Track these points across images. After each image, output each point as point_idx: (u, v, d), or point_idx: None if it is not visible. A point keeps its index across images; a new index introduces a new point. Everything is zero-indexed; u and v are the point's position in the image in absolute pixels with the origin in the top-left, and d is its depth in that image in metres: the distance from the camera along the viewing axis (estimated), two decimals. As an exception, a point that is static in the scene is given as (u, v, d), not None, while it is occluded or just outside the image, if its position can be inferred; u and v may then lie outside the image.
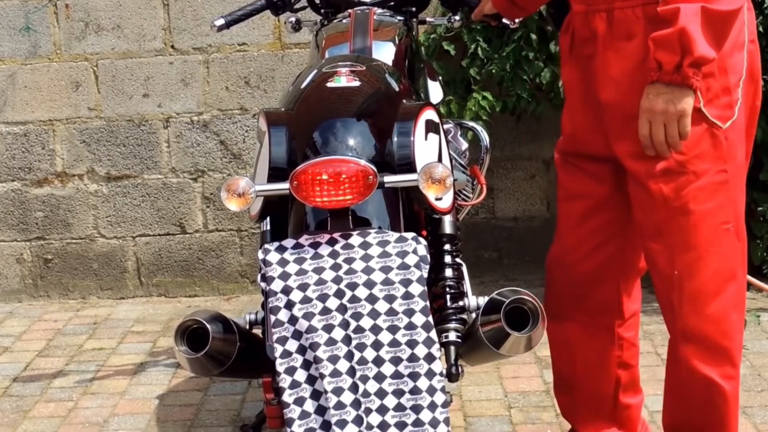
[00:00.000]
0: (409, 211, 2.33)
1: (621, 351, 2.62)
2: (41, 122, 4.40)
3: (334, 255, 2.13)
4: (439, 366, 2.06)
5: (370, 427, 2.01)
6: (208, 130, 4.39)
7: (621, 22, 2.31)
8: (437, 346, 2.08)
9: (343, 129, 2.25)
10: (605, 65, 2.34)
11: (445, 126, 2.69)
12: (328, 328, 2.06)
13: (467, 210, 3.08)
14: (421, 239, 2.17)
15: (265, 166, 2.26)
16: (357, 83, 2.37)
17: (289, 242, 2.17)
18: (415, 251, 2.13)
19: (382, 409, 2.02)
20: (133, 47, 4.35)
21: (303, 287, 2.09)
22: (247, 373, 2.42)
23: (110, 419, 3.25)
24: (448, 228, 2.38)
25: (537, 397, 3.27)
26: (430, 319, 2.08)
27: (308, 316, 2.07)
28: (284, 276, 2.11)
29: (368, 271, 2.10)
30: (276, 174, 2.23)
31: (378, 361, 2.04)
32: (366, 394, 2.03)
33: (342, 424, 2.00)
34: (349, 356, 2.04)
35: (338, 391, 2.02)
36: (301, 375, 2.05)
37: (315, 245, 2.15)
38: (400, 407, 2.03)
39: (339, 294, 2.09)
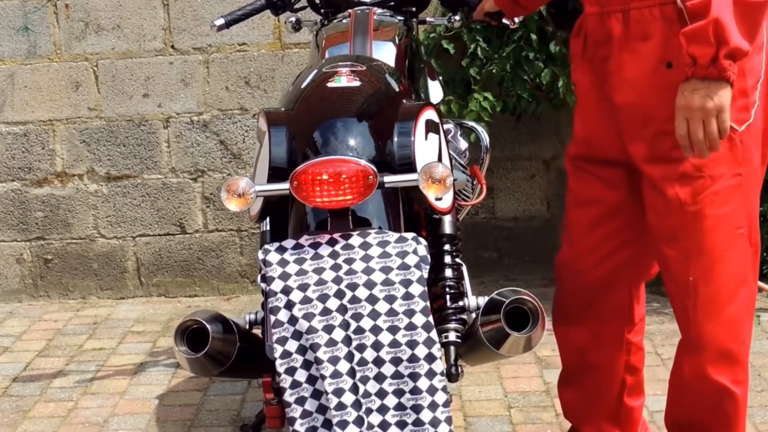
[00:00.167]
0: (409, 211, 2.33)
1: (629, 355, 2.60)
2: (41, 122, 4.40)
3: (334, 255, 2.12)
4: (439, 366, 2.06)
5: (370, 426, 2.01)
6: (208, 130, 4.38)
7: (637, 23, 2.25)
8: (438, 346, 2.08)
9: (343, 129, 2.25)
10: (620, 67, 2.29)
11: (445, 126, 2.68)
12: (329, 329, 2.06)
13: (467, 210, 3.08)
14: (421, 239, 2.16)
15: (265, 166, 2.25)
16: (357, 83, 2.37)
17: (289, 242, 2.17)
18: (415, 251, 2.13)
19: (383, 409, 2.02)
20: (133, 47, 4.34)
21: (303, 287, 2.09)
22: (246, 373, 2.42)
23: (110, 419, 3.25)
24: (448, 228, 2.37)
25: (537, 397, 3.27)
26: (431, 319, 2.08)
27: (308, 316, 2.06)
28: (284, 276, 2.11)
29: (368, 271, 2.10)
30: (276, 174, 2.22)
31: (378, 362, 2.04)
32: (366, 394, 2.02)
33: (343, 424, 2.00)
34: (350, 357, 2.04)
35: (339, 392, 2.02)
36: (301, 375, 2.05)
37: (315, 245, 2.14)
38: (400, 407, 2.03)
39: (339, 294, 2.08)
